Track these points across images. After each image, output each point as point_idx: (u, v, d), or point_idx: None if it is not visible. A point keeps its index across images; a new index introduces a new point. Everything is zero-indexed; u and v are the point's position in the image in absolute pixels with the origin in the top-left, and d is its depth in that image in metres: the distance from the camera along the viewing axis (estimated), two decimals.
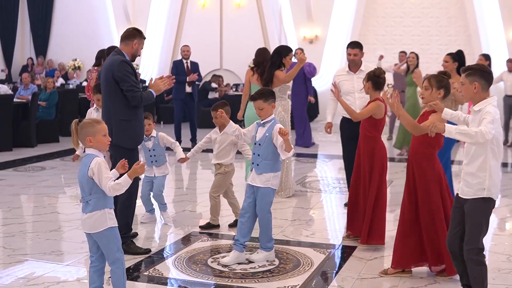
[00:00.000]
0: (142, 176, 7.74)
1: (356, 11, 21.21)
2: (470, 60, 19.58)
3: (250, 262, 6.38)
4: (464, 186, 5.10)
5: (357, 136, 7.22)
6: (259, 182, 6.31)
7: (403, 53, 16.71)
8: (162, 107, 19.47)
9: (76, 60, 23.41)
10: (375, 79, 6.92)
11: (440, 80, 5.81)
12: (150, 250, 6.76)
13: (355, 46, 8.74)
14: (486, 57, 13.93)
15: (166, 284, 5.88)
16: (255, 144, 6.39)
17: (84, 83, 20.80)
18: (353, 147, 7.45)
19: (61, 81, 21.66)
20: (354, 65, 8.71)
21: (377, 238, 6.84)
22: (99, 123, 4.92)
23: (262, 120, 6.37)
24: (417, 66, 13.82)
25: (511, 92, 15.54)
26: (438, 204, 5.85)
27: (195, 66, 14.94)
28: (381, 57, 17.07)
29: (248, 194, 6.43)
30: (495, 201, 5.08)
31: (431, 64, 19.62)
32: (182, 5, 22.66)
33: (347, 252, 6.85)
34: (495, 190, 5.03)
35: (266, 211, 6.35)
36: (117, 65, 6.56)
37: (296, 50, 14.71)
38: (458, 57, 8.97)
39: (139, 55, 6.95)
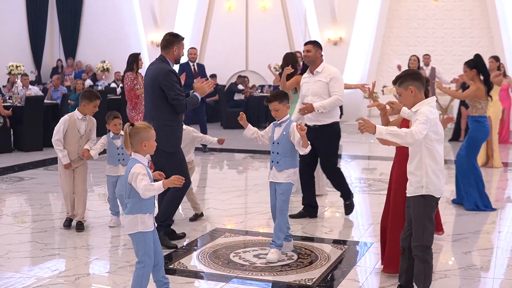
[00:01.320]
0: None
1: (380, 13, 21.37)
2: (493, 61, 19.72)
3: (269, 262, 6.57)
4: (408, 185, 5.29)
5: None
6: (281, 178, 6.62)
7: (427, 55, 16.90)
8: None
9: (105, 62, 23.77)
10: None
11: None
12: (176, 246, 7.05)
13: (308, 42, 8.45)
14: (496, 58, 14.08)
15: (189, 276, 6.15)
16: (273, 143, 6.67)
17: (113, 85, 21.20)
18: None
19: (89, 82, 22.00)
20: (309, 63, 8.31)
21: None
22: (151, 129, 5.13)
23: (278, 120, 6.66)
24: (418, 68, 14.18)
25: None
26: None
27: (201, 69, 14.98)
28: (400, 66, 16.13)
29: (272, 192, 6.76)
30: (437, 198, 5.23)
31: (454, 65, 19.76)
32: (209, 8, 22.95)
33: (363, 247, 7.11)
34: (434, 188, 5.15)
35: (287, 207, 6.65)
36: (163, 75, 6.93)
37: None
38: (475, 63, 9.08)
39: (182, 55, 7.31)
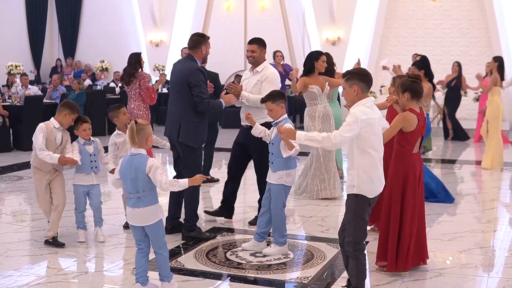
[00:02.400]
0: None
1: (378, 13, 21.39)
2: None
3: (265, 255, 6.72)
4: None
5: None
6: (273, 179, 6.70)
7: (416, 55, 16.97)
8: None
9: (104, 61, 23.81)
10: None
11: (403, 84, 6.05)
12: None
13: (252, 41, 8.17)
14: (495, 59, 14.12)
15: (186, 274, 6.19)
16: (269, 143, 6.75)
17: (112, 84, 21.23)
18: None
19: (88, 82, 22.04)
20: (254, 64, 8.04)
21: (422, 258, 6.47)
22: (150, 125, 5.53)
23: (275, 120, 6.72)
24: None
25: None
26: (396, 199, 6.06)
27: None
28: (385, 68, 14.96)
29: (266, 189, 6.86)
30: (369, 198, 5.26)
31: (451, 65, 19.79)
32: (207, 8, 22.97)
33: None
34: (366, 188, 5.21)
35: (279, 208, 6.70)
36: (191, 72, 7.22)
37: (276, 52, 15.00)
38: (423, 64, 9.34)
39: (209, 54, 7.59)
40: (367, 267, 5.60)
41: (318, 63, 9.40)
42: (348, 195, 5.35)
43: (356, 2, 21.55)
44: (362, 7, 21.53)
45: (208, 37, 7.55)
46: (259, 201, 7.97)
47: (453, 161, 13.64)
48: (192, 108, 7.23)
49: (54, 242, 7.08)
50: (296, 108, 19.18)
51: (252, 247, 6.89)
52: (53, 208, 7.23)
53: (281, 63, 14.88)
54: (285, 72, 14.72)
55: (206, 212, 8.33)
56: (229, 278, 6.11)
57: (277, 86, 7.86)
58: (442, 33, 21.24)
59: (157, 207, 5.43)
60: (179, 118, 7.26)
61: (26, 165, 12.25)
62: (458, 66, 16.91)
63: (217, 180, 10.85)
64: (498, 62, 12.82)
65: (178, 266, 6.39)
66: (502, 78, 12.82)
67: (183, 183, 5.44)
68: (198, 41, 7.43)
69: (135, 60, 11.34)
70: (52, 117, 7.27)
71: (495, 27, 19.93)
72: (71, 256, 6.79)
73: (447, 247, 7.18)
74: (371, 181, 5.22)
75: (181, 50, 14.80)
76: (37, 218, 8.30)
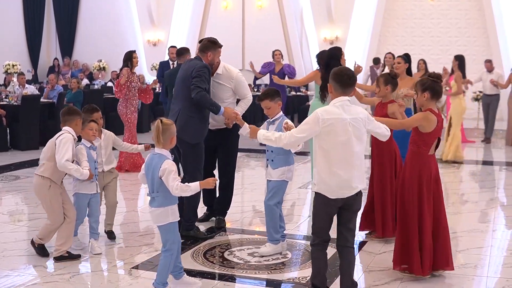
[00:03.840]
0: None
1: (376, 12, 21.40)
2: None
3: (262, 256, 6.69)
4: None
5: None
6: (275, 176, 6.66)
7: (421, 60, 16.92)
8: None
9: (101, 61, 23.79)
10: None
11: (424, 83, 5.93)
12: (207, 236, 7.37)
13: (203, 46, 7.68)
14: (456, 57, 14.30)
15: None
16: None
17: (109, 84, 21.21)
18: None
19: (86, 81, 22.00)
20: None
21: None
22: (174, 124, 5.49)
23: (271, 118, 6.70)
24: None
25: (489, 91, 16.48)
26: (413, 200, 5.95)
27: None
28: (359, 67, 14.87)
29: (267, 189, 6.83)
30: (330, 199, 5.14)
31: (450, 65, 19.76)
32: (205, 7, 22.98)
33: (356, 246, 7.13)
34: (325, 187, 5.11)
35: (275, 203, 6.67)
36: (198, 66, 7.15)
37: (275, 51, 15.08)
38: (408, 59, 9.31)
39: (217, 61, 7.50)
40: (356, 267, 5.53)
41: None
42: (313, 191, 5.33)
43: (354, 1, 21.58)
44: (360, 6, 21.55)
45: (220, 46, 7.41)
46: (207, 203, 8.17)
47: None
48: (192, 102, 7.11)
49: (70, 256, 6.56)
50: (294, 108, 19.17)
51: (272, 250, 6.75)
52: (68, 221, 6.56)
53: (281, 62, 14.87)
54: (281, 71, 14.70)
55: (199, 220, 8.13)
56: (226, 278, 6.08)
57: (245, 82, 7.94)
58: (440, 33, 21.25)
59: (167, 210, 5.37)
60: (178, 113, 7.18)
61: (23, 165, 12.24)
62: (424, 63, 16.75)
63: None
64: (459, 61, 13.81)
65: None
66: (464, 76, 13.87)
67: (195, 187, 5.34)
68: (207, 46, 7.35)
69: (127, 57, 11.42)
70: (67, 127, 6.55)
71: (493, 26, 19.95)
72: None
73: None
74: (328, 181, 5.11)
75: (168, 49, 14.75)
76: (34, 218, 8.27)
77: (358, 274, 6.17)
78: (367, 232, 7.47)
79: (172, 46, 14.72)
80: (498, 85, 16.11)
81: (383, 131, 5.45)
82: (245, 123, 6.86)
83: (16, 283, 5.85)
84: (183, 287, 5.68)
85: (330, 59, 9.18)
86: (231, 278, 6.08)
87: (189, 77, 7.13)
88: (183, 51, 10.81)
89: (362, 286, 5.75)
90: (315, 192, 5.23)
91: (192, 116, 7.14)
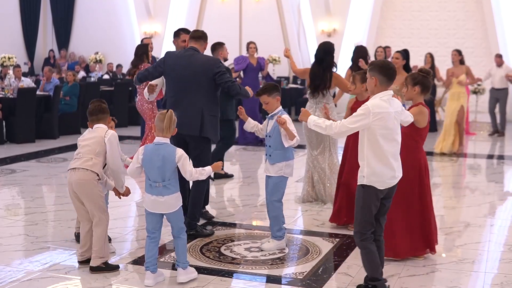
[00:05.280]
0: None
1: (374, 4, 21.37)
2: (487, 54, 19.77)
3: (262, 250, 6.66)
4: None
5: None
6: (273, 171, 6.64)
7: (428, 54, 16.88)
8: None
9: (98, 53, 23.75)
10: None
11: (415, 77, 6.12)
12: (210, 233, 7.28)
13: (183, 32, 8.31)
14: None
15: None
16: (266, 136, 6.68)
17: (106, 76, 21.13)
18: None
19: (82, 74, 21.93)
20: None
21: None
22: None
23: (270, 113, 6.67)
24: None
25: (498, 85, 16.35)
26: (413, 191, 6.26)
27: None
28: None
29: (267, 185, 6.78)
30: (378, 190, 5.26)
31: (448, 57, 19.66)
32: (202, 0, 22.90)
33: (354, 241, 7.08)
34: (376, 179, 5.22)
35: (277, 200, 6.65)
36: (214, 62, 7.19)
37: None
38: (406, 55, 9.35)
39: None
40: (352, 261, 5.58)
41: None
42: (358, 185, 5.34)
43: None
44: None
45: (221, 44, 7.47)
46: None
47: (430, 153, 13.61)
48: (213, 101, 7.16)
49: (108, 267, 6.05)
50: (291, 101, 19.11)
51: (275, 247, 6.72)
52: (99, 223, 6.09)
53: (254, 56, 14.66)
54: (258, 64, 14.58)
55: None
56: (223, 273, 6.04)
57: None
58: (438, 25, 21.21)
59: (179, 194, 5.67)
60: (201, 112, 7.04)
61: (19, 158, 12.19)
62: (430, 57, 16.75)
63: (231, 176, 10.70)
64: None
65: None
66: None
67: (208, 170, 5.79)
68: (212, 48, 7.36)
69: (142, 51, 11.04)
70: (101, 124, 6.10)
71: (492, 19, 19.91)
72: (63, 251, 6.69)
73: (444, 242, 7.13)
74: (379, 173, 5.23)
75: (142, 40, 13.34)
76: (30, 212, 8.22)
77: (355, 269, 6.14)
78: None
79: (146, 38, 13.43)
80: None
81: (409, 119, 5.73)
82: (249, 118, 6.93)
83: (12, 278, 5.81)
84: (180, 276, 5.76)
85: (326, 54, 8.63)
86: (228, 273, 6.04)
87: (209, 73, 7.04)
88: (217, 47, 10.43)
89: (359, 281, 5.71)
90: (362, 185, 5.27)
91: (215, 115, 7.21)
